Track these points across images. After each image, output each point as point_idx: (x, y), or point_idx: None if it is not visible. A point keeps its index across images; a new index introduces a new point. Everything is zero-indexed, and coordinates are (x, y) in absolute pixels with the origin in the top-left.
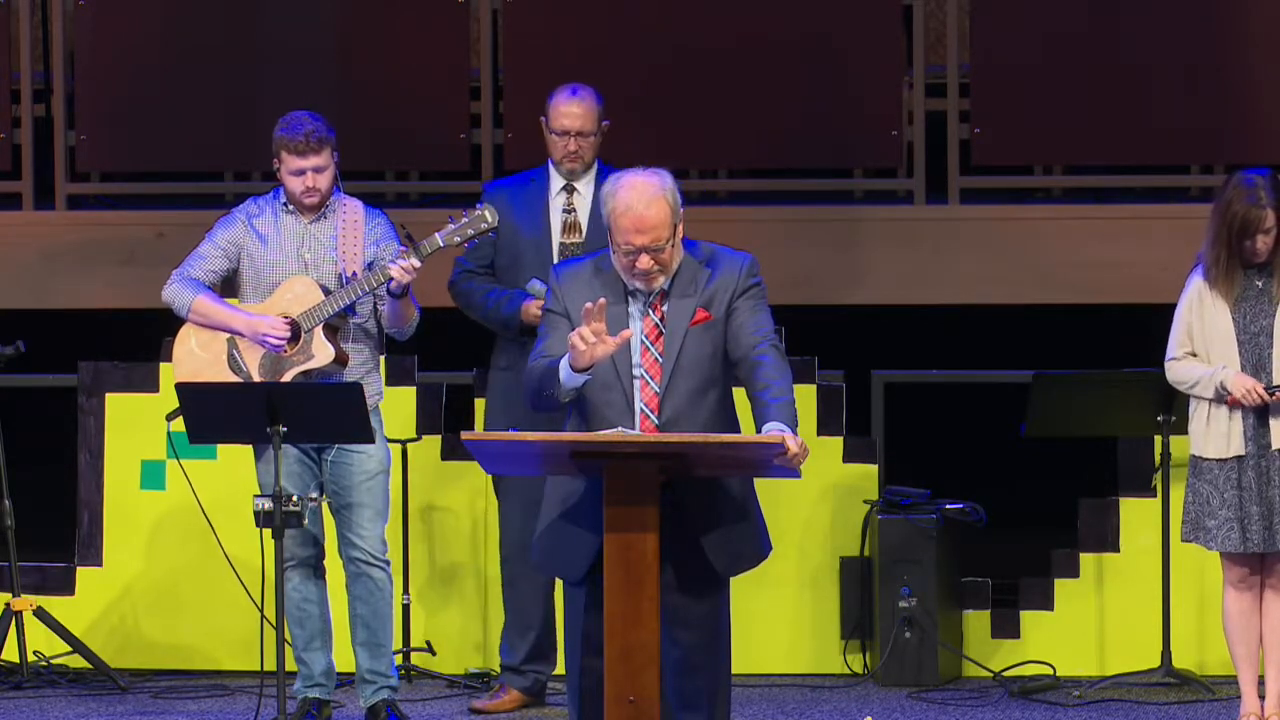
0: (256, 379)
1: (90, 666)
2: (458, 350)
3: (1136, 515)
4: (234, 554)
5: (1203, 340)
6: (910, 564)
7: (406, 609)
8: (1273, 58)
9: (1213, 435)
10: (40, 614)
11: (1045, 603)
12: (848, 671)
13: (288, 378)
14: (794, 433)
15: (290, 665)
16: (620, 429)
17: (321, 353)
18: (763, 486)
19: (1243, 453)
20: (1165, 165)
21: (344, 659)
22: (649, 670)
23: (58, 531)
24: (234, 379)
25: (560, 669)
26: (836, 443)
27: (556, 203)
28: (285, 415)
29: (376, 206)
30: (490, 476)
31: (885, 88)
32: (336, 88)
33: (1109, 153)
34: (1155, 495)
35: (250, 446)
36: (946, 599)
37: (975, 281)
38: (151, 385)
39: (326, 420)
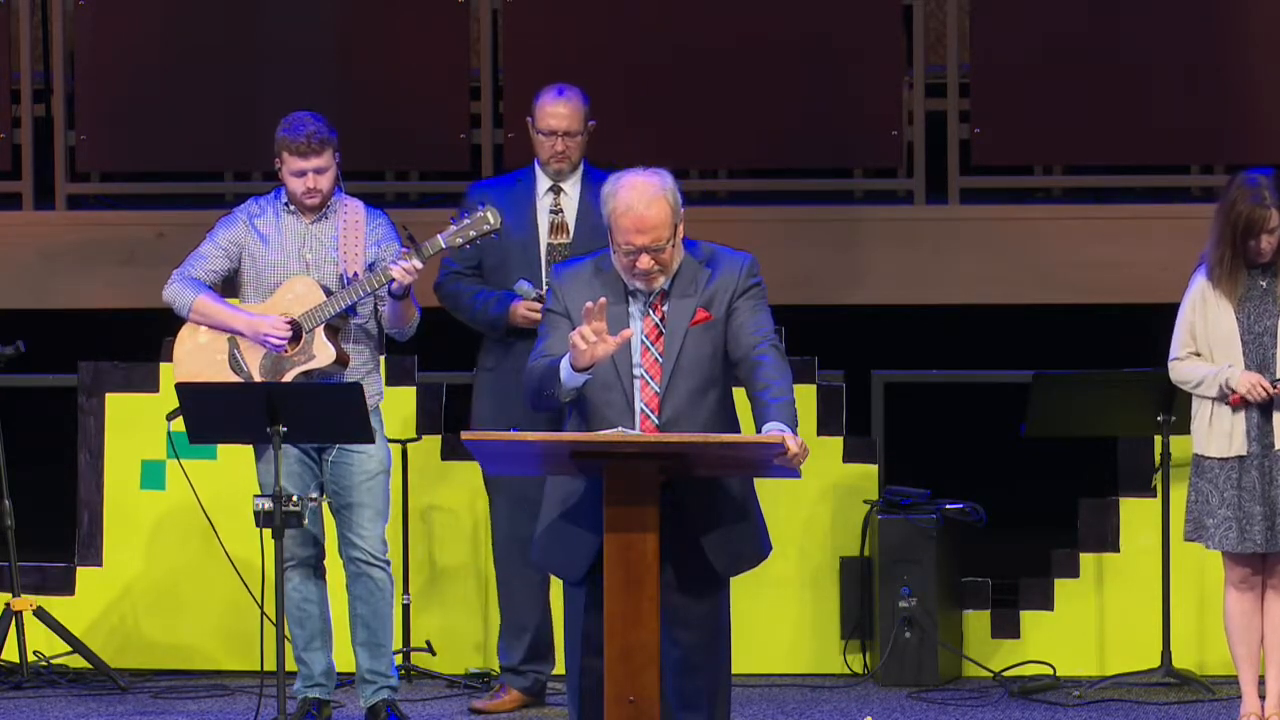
0: (257, 379)
1: (90, 666)
2: (458, 350)
3: (1136, 515)
4: (234, 554)
5: (1206, 340)
6: (910, 564)
7: (406, 609)
8: (1273, 58)
9: (1215, 434)
10: (40, 614)
11: (1045, 603)
12: (848, 671)
13: (288, 378)
14: (794, 433)
15: (290, 665)
16: (620, 429)
17: (322, 353)
18: (763, 486)
19: (1245, 452)
20: (1165, 165)
21: (344, 659)
22: (649, 670)
23: (58, 531)
24: (235, 379)
25: (560, 669)
26: (836, 443)
27: (543, 203)
28: (285, 415)
29: (376, 206)
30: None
31: (885, 88)
32: (336, 88)
33: (1109, 153)
34: (1155, 495)
35: (250, 446)
36: (946, 599)
37: (975, 281)
38: (151, 385)
39: (327, 420)
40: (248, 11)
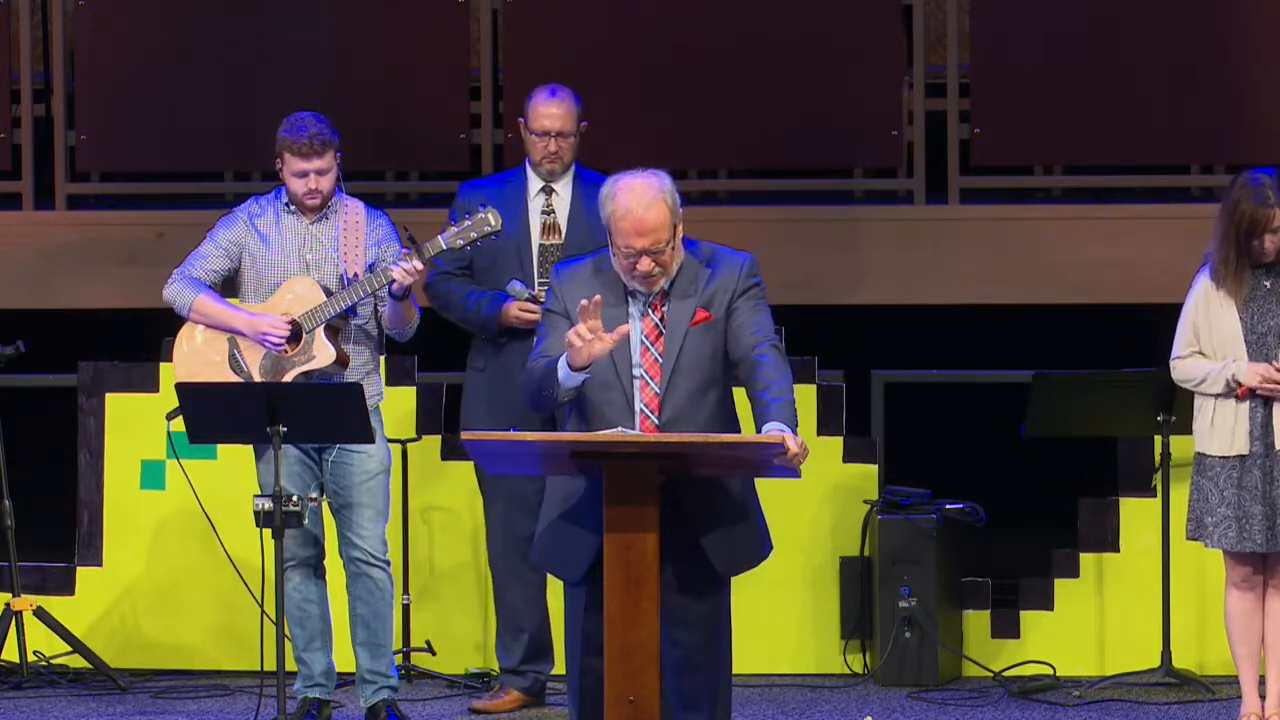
0: (257, 379)
1: (90, 666)
2: (458, 350)
3: (1136, 515)
4: (234, 554)
5: (1210, 340)
6: (910, 564)
7: (406, 609)
8: (1273, 58)
9: (1217, 433)
10: (40, 614)
11: (1045, 603)
12: (848, 671)
13: (288, 378)
14: (794, 433)
15: (290, 665)
16: (620, 429)
17: (322, 353)
18: (763, 486)
19: (1246, 451)
20: (1165, 165)
21: (344, 659)
22: (649, 670)
23: (58, 531)
24: (235, 379)
25: (559, 668)
26: (836, 443)
27: (535, 204)
28: (285, 415)
29: (376, 207)
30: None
31: (885, 88)
32: (336, 88)
33: (1109, 153)
34: (1155, 495)
35: (250, 446)
36: (946, 599)
37: (975, 281)
38: (151, 385)
39: (327, 420)
40: (248, 11)
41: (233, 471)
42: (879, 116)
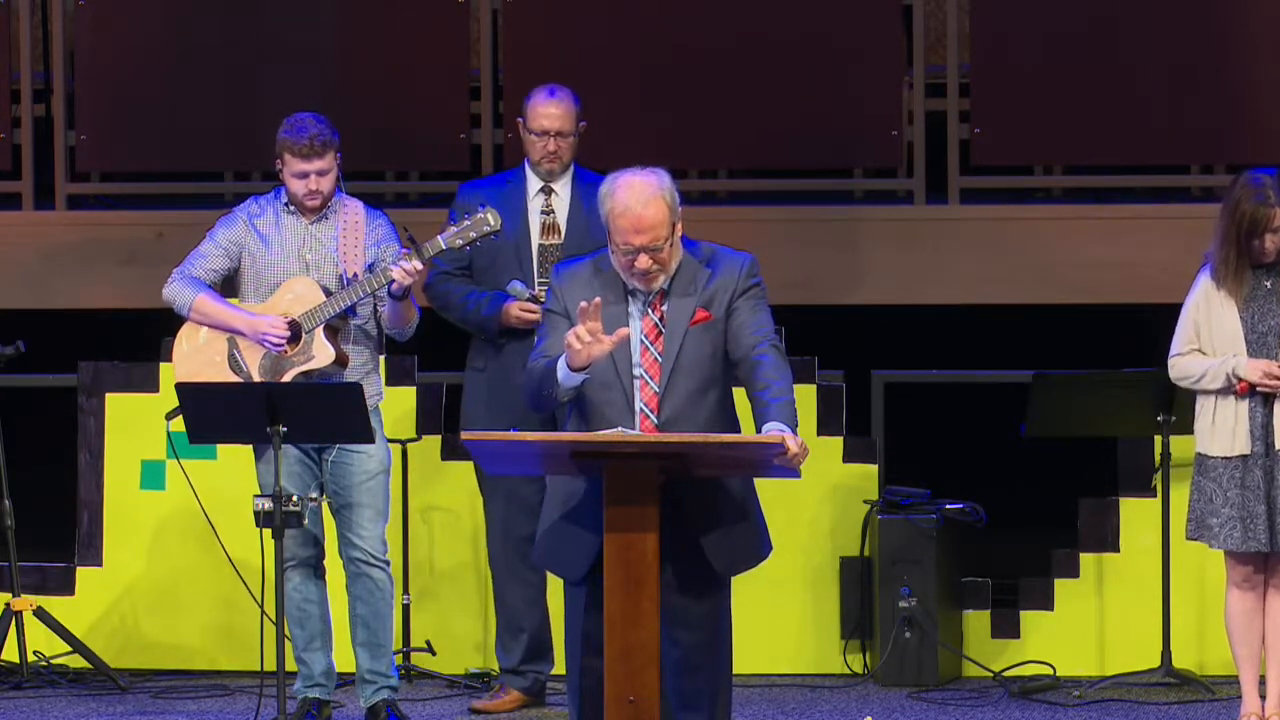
0: (257, 379)
1: (90, 666)
2: (458, 350)
3: (1136, 515)
4: (234, 554)
5: (1210, 340)
6: (910, 564)
7: (406, 609)
8: (1273, 58)
9: (1218, 433)
10: (40, 614)
11: (1045, 603)
12: (848, 671)
13: (287, 378)
14: (794, 432)
15: (290, 665)
16: (620, 429)
17: (322, 353)
18: (763, 486)
19: (1248, 451)
20: (1165, 165)
21: (344, 659)
22: (649, 670)
23: (58, 531)
24: (234, 379)
25: (559, 668)
26: (836, 443)
27: (534, 204)
28: (285, 415)
29: (376, 207)
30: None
31: (885, 88)
32: (336, 88)
33: (1109, 153)
34: (1155, 495)
35: (250, 446)
36: (946, 599)
37: (975, 281)
38: (151, 385)
39: (327, 420)
40: (248, 11)
41: (233, 471)
42: (879, 116)
